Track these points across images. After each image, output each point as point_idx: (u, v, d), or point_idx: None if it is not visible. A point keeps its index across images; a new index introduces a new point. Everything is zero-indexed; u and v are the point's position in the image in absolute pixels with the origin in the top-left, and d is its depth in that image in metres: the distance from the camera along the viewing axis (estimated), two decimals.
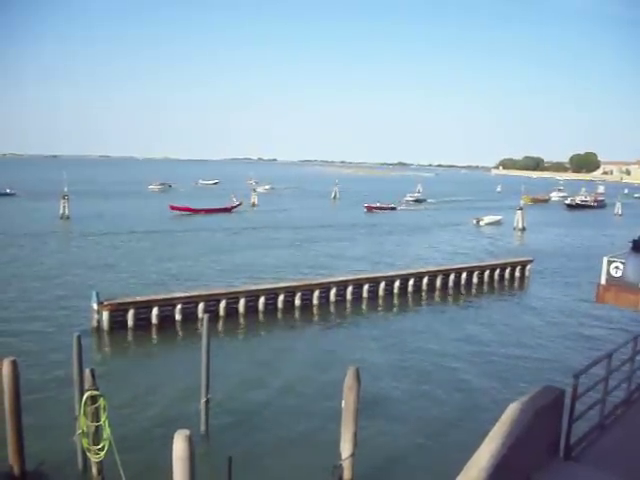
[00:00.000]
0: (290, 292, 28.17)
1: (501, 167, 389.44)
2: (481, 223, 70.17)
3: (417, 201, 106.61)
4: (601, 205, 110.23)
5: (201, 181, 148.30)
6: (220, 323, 25.44)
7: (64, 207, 61.95)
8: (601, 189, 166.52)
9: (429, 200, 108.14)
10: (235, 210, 77.20)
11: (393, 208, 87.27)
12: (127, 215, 67.09)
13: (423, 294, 32.41)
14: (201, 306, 25.42)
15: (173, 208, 72.19)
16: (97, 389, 12.15)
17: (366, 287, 30.63)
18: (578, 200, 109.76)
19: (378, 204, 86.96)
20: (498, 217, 73.17)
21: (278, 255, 43.25)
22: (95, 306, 23.65)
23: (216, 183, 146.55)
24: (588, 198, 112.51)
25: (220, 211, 75.59)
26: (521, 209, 66.68)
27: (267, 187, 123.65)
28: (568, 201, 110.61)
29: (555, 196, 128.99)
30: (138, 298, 24.97)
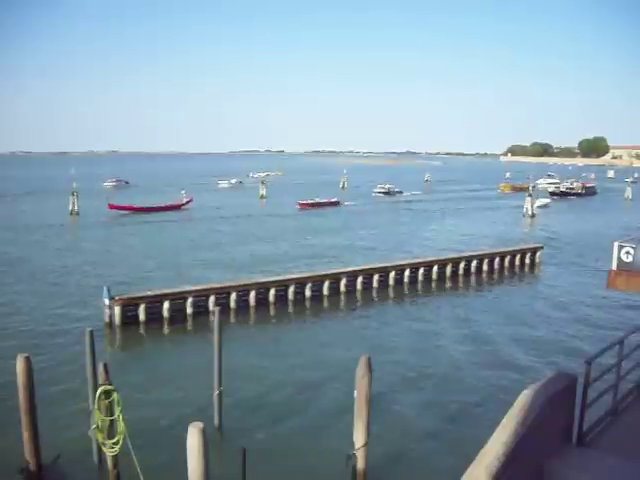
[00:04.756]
0: (300, 283, 28.21)
1: (510, 154, 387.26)
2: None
3: (388, 193, 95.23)
4: (591, 192, 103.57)
5: (251, 174, 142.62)
6: (231, 315, 25.51)
7: (73, 203, 62.39)
8: (611, 174, 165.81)
9: (405, 193, 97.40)
10: (185, 207, 70.65)
11: (335, 203, 76.67)
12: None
13: (433, 283, 32.39)
14: (212, 299, 25.51)
15: (112, 207, 64.85)
16: (110, 383, 12.22)
17: (376, 277, 30.61)
18: (563, 188, 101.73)
19: (316, 199, 75.57)
20: (547, 201, 79.52)
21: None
22: (107, 301, 23.78)
23: (267, 175, 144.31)
24: (574, 185, 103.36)
25: (167, 209, 68.04)
26: (530, 195, 66.63)
27: (233, 181, 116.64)
28: (552, 189, 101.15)
29: (543, 183, 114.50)
30: (149, 292, 25.08)
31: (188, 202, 72.30)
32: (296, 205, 72.93)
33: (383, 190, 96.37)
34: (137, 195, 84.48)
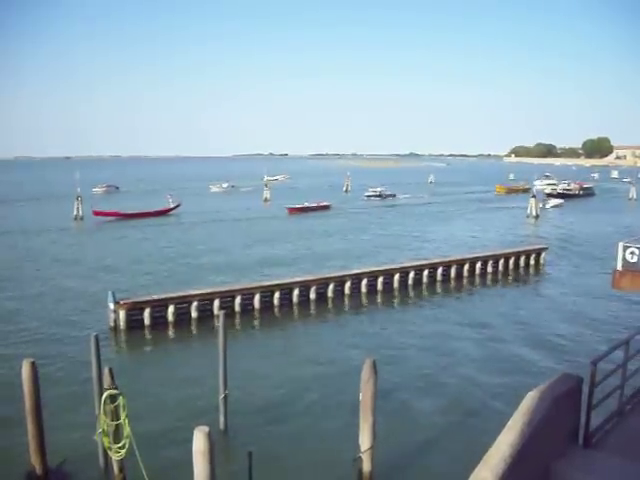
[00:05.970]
0: (305, 286, 28.20)
1: (513, 155, 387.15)
2: (547, 206, 74.64)
3: (380, 196, 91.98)
4: (589, 193, 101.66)
5: (266, 177, 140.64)
6: (236, 319, 25.53)
7: (77, 208, 62.36)
8: (615, 173, 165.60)
9: (400, 196, 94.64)
10: (172, 213, 69.07)
11: (326, 207, 74.68)
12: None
13: (438, 284, 32.35)
14: (217, 303, 25.53)
15: (97, 214, 62.80)
16: (116, 388, 12.25)
17: (381, 279, 30.58)
18: (560, 189, 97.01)
19: (305, 204, 73.67)
20: (561, 201, 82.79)
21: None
22: (112, 306, 23.83)
23: (283, 179, 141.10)
24: (571, 186, 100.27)
25: (154, 215, 66.76)
26: (534, 197, 66.62)
27: (225, 185, 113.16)
28: (548, 190, 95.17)
29: (540, 184, 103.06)
30: (154, 296, 25.12)
31: (175, 207, 70.70)
32: (285, 210, 70.89)
33: (375, 193, 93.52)
34: (126, 201, 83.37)
